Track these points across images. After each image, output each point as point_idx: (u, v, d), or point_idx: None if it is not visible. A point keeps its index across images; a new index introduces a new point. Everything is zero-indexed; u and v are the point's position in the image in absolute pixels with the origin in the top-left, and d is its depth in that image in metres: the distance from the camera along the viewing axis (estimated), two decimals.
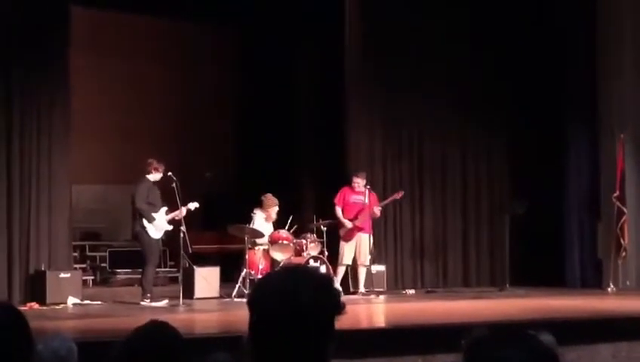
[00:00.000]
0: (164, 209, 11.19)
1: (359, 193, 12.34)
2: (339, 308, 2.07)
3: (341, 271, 12.28)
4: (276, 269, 2.30)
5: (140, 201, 11.12)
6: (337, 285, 12.00)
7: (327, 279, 2.15)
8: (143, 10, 15.45)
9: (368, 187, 12.40)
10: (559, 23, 13.87)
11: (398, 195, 12.84)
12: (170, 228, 11.28)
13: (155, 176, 11.24)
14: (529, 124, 14.22)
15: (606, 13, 13.34)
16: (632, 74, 13.17)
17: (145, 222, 11.01)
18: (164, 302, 10.89)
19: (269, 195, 12.25)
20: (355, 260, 12.34)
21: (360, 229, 12.29)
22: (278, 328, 2.01)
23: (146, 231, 11.02)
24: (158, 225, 11.07)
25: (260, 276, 11.52)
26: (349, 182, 12.52)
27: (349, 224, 12.23)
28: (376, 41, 13.59)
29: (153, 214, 11.05)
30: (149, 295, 10.93)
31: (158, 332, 2.79)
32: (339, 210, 12.33)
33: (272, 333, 2.02)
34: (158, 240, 11.16)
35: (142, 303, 10.85)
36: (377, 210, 12.43)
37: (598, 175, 13.47)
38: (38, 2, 11.32)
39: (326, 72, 14.49)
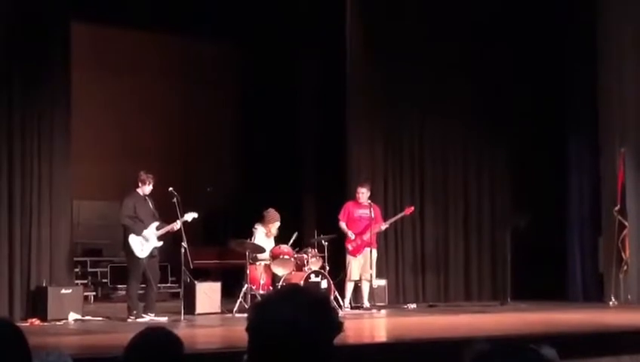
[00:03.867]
0: (155, 224, 10.99)
1: (364, 207, 12.27)
2: (337, 328, 2.07)
3: (350, 286, 12.25)
4: (273, 291, 2.28)
5: (122, 217, 11.02)
6: (344, 301, 12.05)
7: (325, 299, 2.14)
8: (143, 27, 15.51)
9: (370, 201, 12.37)
10: (560, 36, 13.91)
11: (408, 211, 12.80)
12: (160, 244, 11.06)
13: (144, 189, 11.08)
14: (531, 138, 14.24)
15: (606, 26, 13.37)
16: (634, 88, 13.19)
17: (129, 239, 10.86)
18: (163, 319, 10.85)
19: (271, 210, 12.23)
20: (359, 275, 12.31)
21: (368, 244, 12.27)
22: (278, 352, 2.01)
23: (131, 249, 10.89)
24: (144, 241, 10.94)
25: (261, 291, 11.53)
26: (351, 198, 12.50)
27: (353, 237, 12.18)
28: (377, 55, 13.62)
29: (143, 233, 10.95)
30: (134, 312, 10.86)
31: (157, 336, 2.79)
32: (344, 225, 12.26)
33: (272, 357, 2.03)
34: (142, 259, 10.89)
35: (128, 320, 10.78)
36: (383, 226, 12.40)
37: (599, 188, 13.48)
38: (40, 19, 11.34)
39: (327, 86, 14.53)
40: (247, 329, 2.09)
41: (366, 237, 12.21)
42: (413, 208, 12.97)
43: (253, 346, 2.06)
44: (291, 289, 2.18)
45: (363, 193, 12.29)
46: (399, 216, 12.81)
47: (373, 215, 12.19)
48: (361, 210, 12.30)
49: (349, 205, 12.41)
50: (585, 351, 8.00)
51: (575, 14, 13.81)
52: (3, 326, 2.49)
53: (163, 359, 2.72)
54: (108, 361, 6.67)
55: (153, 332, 2.82)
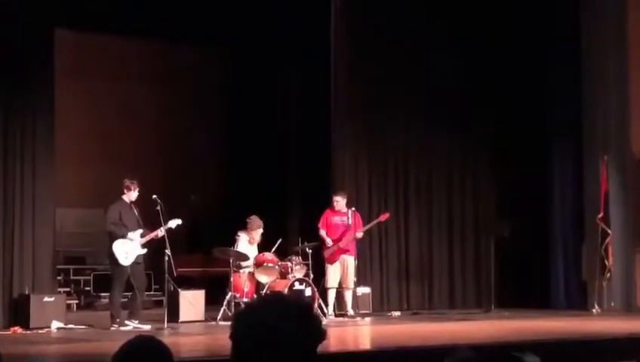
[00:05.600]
0: (139, 232, 10.97)
1: (342, 214, 12.32)
2: (321, 335, 2.07)
3: (331, 294, 12.24)
4: (255, 299, 2.28)
5: (107, 224, 10.99)
6: (328, 309, 12.04)
7: (308, 307, 2.14)
8: (127, 33, 15.46)
9: (353, 209, 12.38)
10: (545, 42, 13.97)
11: (383, 218, 12.86)
12: (144, 251, 11.01)
13: (129, 196, 11.07)
14: (514, 147, 14.28)
15: (590, 32, 13.43)
16: (617, 97, 13.26)
17: (114, 247, 10.80)
18: (147, 327, 10.80)
19: (254, 217, 12.22)
20: (340, 283, 12.32)
21: (344, 251, 12.27)
22: (262, 359, 2.00)
23: (115, 257, 10.83)
24: (129, 248, 10.88)
25: (245, 299, 11.50)
26: (330, 205, 12.51)
27: (331, 244, 12.20)
28: (361, 63, 13.63)
29: (128, 235, 10.91)
30: (117, 320, 10.81)
31: (146, 346, 2.77)
32: (323, 233, 12.32)
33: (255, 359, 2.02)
34: (126, 266, 10.84)
35: (111, 328, 10.73)
36: (359, 234, 12.42)
37: (583, 196, 13.53)
38: (22, 24, 11.28)
39: (311, 92, 14.55)
40: (231, 337, 2.08)
41: (342, 244, 12.21)
42: (388, 214, 13.00)
43: (236, 353, 2.05)
44: (274, 296, 2.17)
45: (338, 201, 12.34)
46: (374, 222, 12.81)
47: (350, 222, 12.21)
48: (338, 217, 12.35)
49: (327, 212, 12.45)
50: (568, 359, 8.02)
51: (559, 21, 13.88)
52: None
53: None
54: None
55: (142, 342, 2.80)
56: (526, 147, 14.21)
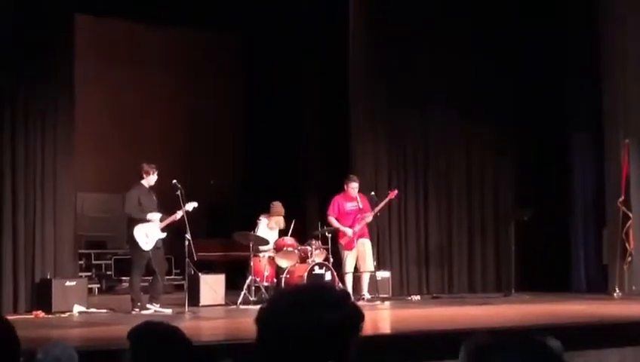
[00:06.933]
0: (158, 216, 10.97)
1: (353, 199, 12.14)
2: (357, 328, 2.06)
3: (347, 279, 12.18)
4: (295, 287, 2.27)
5: (127, 206, 10.96)
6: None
7: (346, 298, 2.12)
8: (147, 19, 15.50)
9: (358, 192, 12.24)
10: (562, 28, 13.88)
11: (392, 195, 12.64)
12: (164, 235, 11.01)
13: (148, 180, 11.06)
14: (534, 130, 14.22)
15: (609, 17, 13.32)
16: (637, 80, 13.15)
17: (135, 231, 10.82)
18: (168, 311, 10.86)
19: (275, 203, 12.23)
20: (356, 267, 12.28)
21: (360, 236, 12.23)
22: (297, 343, 2.00)
23: (136, 242, 10.85)
24: (149, 233, 10.92)
25: (265, 283, 11.55)
26: (339, 191, 12.38)
27: (350, 232, 12.14)
28: (380, 49, 13.60)
29: (146, 222, 10.91)
30: (138, 304, 10.85)
31: (155, 329, 2.77)
32: (334, 221, 12.11)
33: (287, 348, 2.02)
34: (147, 251, 10.85)
35: (132, 312, 10.77)
36: (369, 218, 12.28)
37: (603, 180, 13.46)
38: (43, 10, 11.32)
39: (330, 78, 14.53)
40: (259, 319, 2.06)
41: (356, 228, 12.15)
42: (397, 191, 12.80)
43: (266, 336, 2.04)
44: (313, 286, 2.17)
45: (354, 188, 12.17)
46: (384, 201, 12.50)
47: (361, 205, 12.13)
48: (350, 203, 12.17)
49: (338, 199, 12.23)
50: (589, 343, 8.00)
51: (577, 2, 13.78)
52: None
53: (169, 351, 2.71)
54: (112, 353, 6.68)
55: (149, 327, 2.81)
56: (546, 131, 14.13)
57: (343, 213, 12.18)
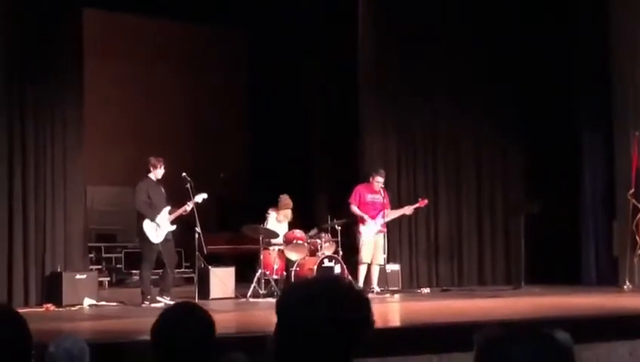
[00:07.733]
0: (167, 209, 11.00)
1: (376, 192, 12.19)
2: (369, 324, 2.07)
3: (362, 269, 12.15)
4: (312, 278, 2.30)
5: (137, 201, 11.01)
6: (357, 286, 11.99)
7: (360, 295, 2.14)
8: (154, 13, 15.51)
9: (382, 186, 12.32)
10: (572, 22, 13.83)
11: (422, 203, 12.74)
12: (174, 228, 11.04)
13: (156, 173, 11.07)
14: (543, 123, 14.19)
15: (619, 5, 13.26)
16: None
17: (144, 225, 10.85)
18: None
19: (283, 196, 12.24)
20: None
21: (381, 230, 12.24)
22: (310, 337, 2.01)
23: (145, 235, 10.88)
24: (159, 226, 10.94)
25: (275, 276, 11.56)
26: (362, 181, 12.44)
27: (371, 221, 12.11)
28: (389, 44, 13.57)
29: (156, 219, 10.91)
30: (148, 297, 10.87)
31: (187, 311, 2.79)
32: (356, 209, 12.15)
33: (300, 340, 2.02)
34: (157, 244, 10.88)
35: (142, 305, 10.79)
36: (409, 210, 12.47)
37: (613, 172, 13.41)
38: (50, 4, 11.34)
39: (339, 70, 14.51)
40: (280, 308, 2.08)
41: (379, 221, 12.16)
42: (427, 201, 12.86)
43: (284, 325, 2.05)
44: (329, 278, 2.18)
45: (379, 182, 12.19)
46: (413, 207, 12.66)
47: (385, 200, 12.15)
48: (373, 195, 12.20)
49: (360, 188, 12.29)
50: (599, 335, 7.98)
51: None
52: (3, 314, 2.49)
53: (193, 338, 2.73)
54: (123, 346, 6.70)
55: (182, 308, 2.82)
56: (555, 124, 14.10)
57: (363, 202, 12.18)
